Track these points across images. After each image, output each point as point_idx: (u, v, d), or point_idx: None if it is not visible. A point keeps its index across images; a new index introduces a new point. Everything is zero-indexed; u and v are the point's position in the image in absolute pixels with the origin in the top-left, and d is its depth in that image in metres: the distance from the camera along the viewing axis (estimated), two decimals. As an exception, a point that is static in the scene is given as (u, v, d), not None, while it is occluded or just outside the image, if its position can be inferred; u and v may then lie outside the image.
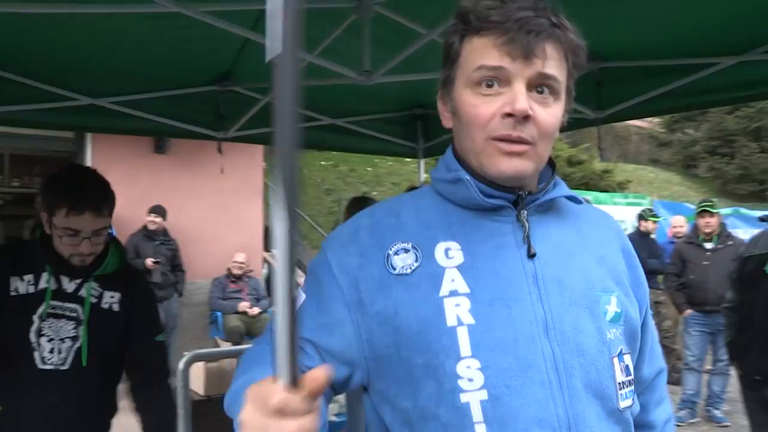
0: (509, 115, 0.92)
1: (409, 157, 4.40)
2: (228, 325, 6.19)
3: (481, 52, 0.94)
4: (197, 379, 4.30)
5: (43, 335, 1.83)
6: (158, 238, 6.03)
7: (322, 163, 13.50)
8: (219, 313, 6.40)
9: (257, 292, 6.60)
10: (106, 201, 1.84)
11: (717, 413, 5.44)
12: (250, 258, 6.89)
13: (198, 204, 6.98)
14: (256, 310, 6.34)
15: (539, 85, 0.94)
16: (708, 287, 5.22)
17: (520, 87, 0.92)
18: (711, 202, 5.53)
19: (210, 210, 7.08)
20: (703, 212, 5.36)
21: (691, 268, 5.41)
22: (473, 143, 0.97)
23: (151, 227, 6.00)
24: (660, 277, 6.31)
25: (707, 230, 5.33)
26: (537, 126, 0.94)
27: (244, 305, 6.33)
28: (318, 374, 0.67)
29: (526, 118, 0.92)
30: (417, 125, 4.15)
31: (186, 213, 6.72)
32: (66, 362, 1.86)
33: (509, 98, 0.92)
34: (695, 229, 5.51)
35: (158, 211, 6.13)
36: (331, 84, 2.97)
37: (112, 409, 2.05)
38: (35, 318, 1.83)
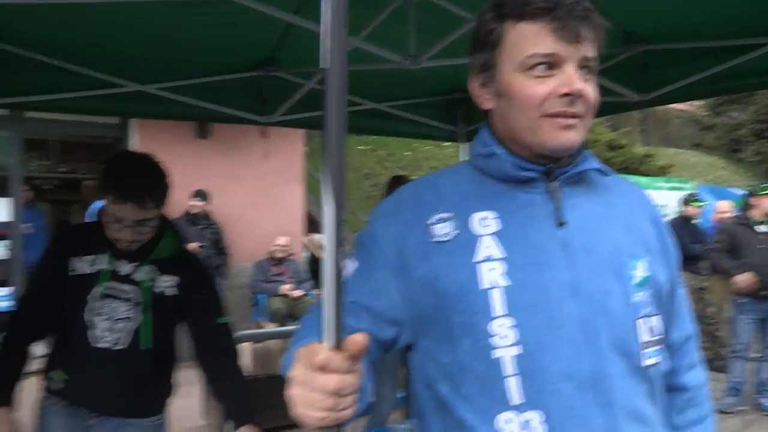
0: (566, 94, 1.01)
1: (448, 141, 4.41)
2: (271, 308, 6.31)
3: (533, 40, 1.02)
4: (243, 359, 4.40)
5: (98, 315, 1.91)
6: (201, 222, 6.16)
7: (361, 147, 13.53)
8: (261, 296, 6.53)
9: (298, 275, 6.70)
10: (152, 193, 1.84)
11: (765, 402, 5.34)
12: (291, 242, 6.98)
13: (239, 188, 7.09)
14: (297, 293, 6.44)
15: (584, 66, 1.03)
16: (765, 272, 5.08)
17: (572, 69, 1.02)
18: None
19: (251, 194, 7.20)
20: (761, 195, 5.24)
21: (744, 251, 5.25)
22: (528, 121, 1.04)
23: (194, 211, 6.13)
24: (703, 263, 6.19)
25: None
26: (585, 102, 1.03)
27: (286, 288, 6.44)
28: (358, 338, 0.78)
29: (579, 96, 1.01)
30: (457, 109, 4.15)
31: (227, 197, 6.84)
32: (120, 342, 1.93)
33: (563, 80, 1.01)
34: (745, 210, 5.36)
35: (201, 195, 6.26)
36: (375, 69, 3.00)
37: (166, 390, 2.12)
38: (91, 298, 1.91)
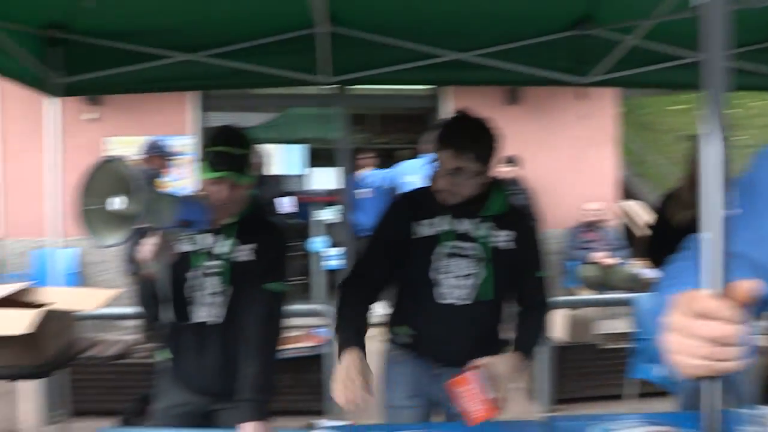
0: None
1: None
2: (583, 275, 6.16)
3: None
4: (556, 327, 4.39)
5: (444, 273, 2.03)
6: (511, 188, 6.22)
7: (673, 108, 12.36)
8: (573, 263, 6.40)
9: (612, 242, 6.42)
10: (470, 143, 1.93)
11: None
12: (603, 208, 6.70)
13: (550, 154, 7.00)
14: (611, 261, 6.17)
15: None
16: None
17: None
18: None
19: (563, 160, 7.06)
20: None
21: None
22: None
23: (504, 178, 6.20)
24: None
25: None
26: None
27: (598, 255, 6.22)
28: (747, 285, 0.73)
29: None
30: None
31: (539, 163, 6.80)
32: (464, 297, 2.03)
33: None
34: None
35: (511, 161, 6.32)
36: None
37: (501, 341, 2.20)
38: (435, 258, 2.03)
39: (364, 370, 1.80)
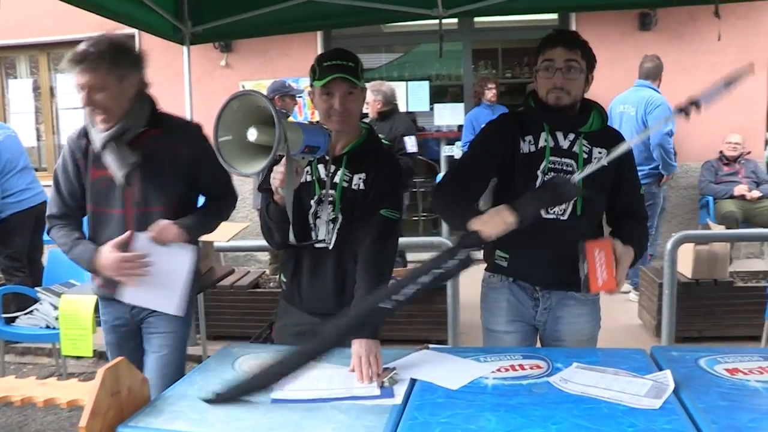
0: None
1: None
2: (722, 211, 5.78)
3: None
4: (686, 262, 4.20)
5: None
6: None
7: None
8: (710, 198, 6.02)
9: (756, 175, 5.95)
10: (577, 40, 2.06)
11: None
12: (748, 139, 6.19)
13: (689, 82, 6.50)
14: (755, 194, 5.74)
15: None
16: None
17: None
18: None
19: (702, 87, 6.55)
20: None
21: None
22: None
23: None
24: None
25: None
26: None
27: (741, 188, 5.80)
28: None
29: None
30: None
31: (676, 92, 6.36)
32: (566, 213, 2.06)
33: None
34: None
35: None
36: None
37: None
38: (539, 173, 2.07)
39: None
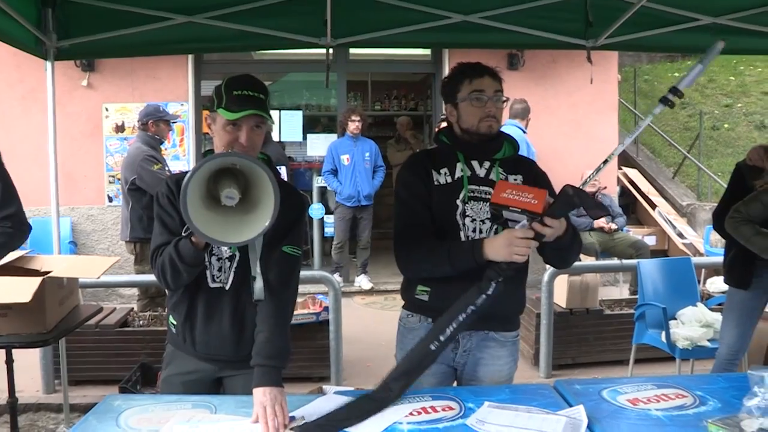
0: None
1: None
2: (583, 242, 6.13)
3: None
4: (560, 293, 4.38)
5: (466, 216, 2.03)
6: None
7: (676, 74, 12.24)
8: (573, 230, 6.38)
9: (612, 209, 6.39)
10: (495, 71, 2.10)
11: None
12: (602, 175, 6.63)
13: (551, 120, 6.93)
14: (613, 227, 6.15)
15: None
16: None
17: None
18: None
19: (563, 125, 7.00)
20: None
21: None
22: None
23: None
24: None
25: None
26: None
27: (600, 222, 6.20)
28: None
29: None
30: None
31: (539, 129, 6.74)
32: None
33: None
34: None
35: (512, 127, 6.25)
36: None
37: (522, 302, 2.21)
38: (458, 202, 2.03)
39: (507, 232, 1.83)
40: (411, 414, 1.73)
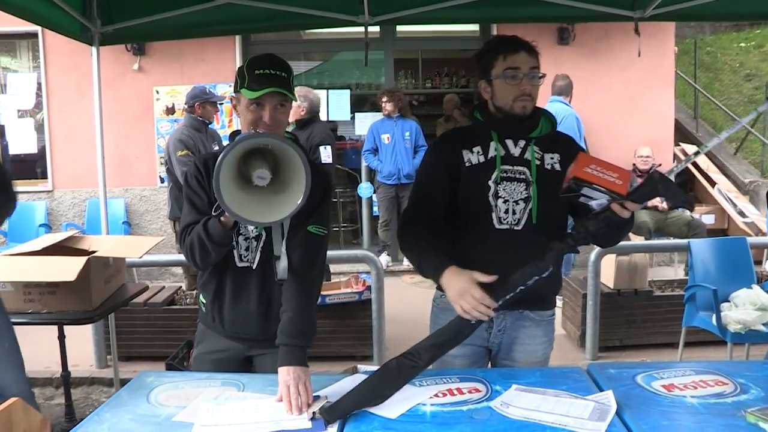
0: None
1: None
2: (636, 221, 5.96)
3: None
4: (607, 273, 4.28)
5: (499, 197, 1.96)
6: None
7: (742, 45, 11.67)
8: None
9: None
10: (533, 46, 1.99)
11: None
12: (658, 152, 6.43)
13: (603, 96, 6.73)
14: (666, 205, 5.96)
15: None
16: None
17: None
18: None
19: (616, 101, 6.78)
20: None
21: None
22: None
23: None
24: None
25: None
26: None
27: (654, 200, 6.01)
28: None
29: None
30: None
31: (591, 105, 6.55)
32: (520, 222, 1.96)
33: None
34: None
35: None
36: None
37: (559, 282, 2.18)
38: (491, 183, 1.97)
39: (473, 278, 1.76)
40: (436, 395, 1.72)
